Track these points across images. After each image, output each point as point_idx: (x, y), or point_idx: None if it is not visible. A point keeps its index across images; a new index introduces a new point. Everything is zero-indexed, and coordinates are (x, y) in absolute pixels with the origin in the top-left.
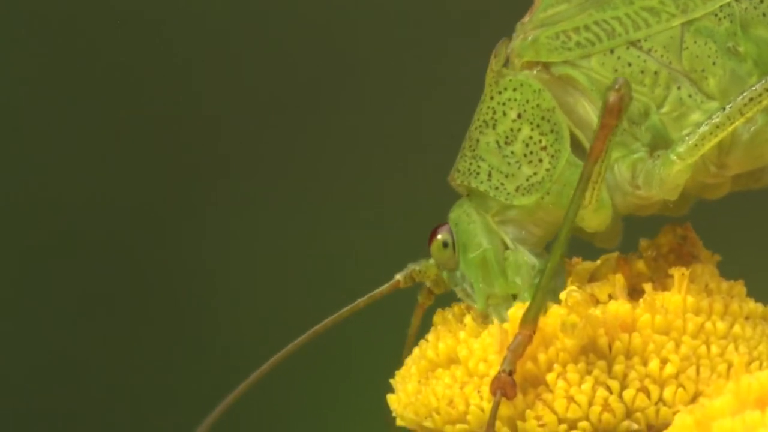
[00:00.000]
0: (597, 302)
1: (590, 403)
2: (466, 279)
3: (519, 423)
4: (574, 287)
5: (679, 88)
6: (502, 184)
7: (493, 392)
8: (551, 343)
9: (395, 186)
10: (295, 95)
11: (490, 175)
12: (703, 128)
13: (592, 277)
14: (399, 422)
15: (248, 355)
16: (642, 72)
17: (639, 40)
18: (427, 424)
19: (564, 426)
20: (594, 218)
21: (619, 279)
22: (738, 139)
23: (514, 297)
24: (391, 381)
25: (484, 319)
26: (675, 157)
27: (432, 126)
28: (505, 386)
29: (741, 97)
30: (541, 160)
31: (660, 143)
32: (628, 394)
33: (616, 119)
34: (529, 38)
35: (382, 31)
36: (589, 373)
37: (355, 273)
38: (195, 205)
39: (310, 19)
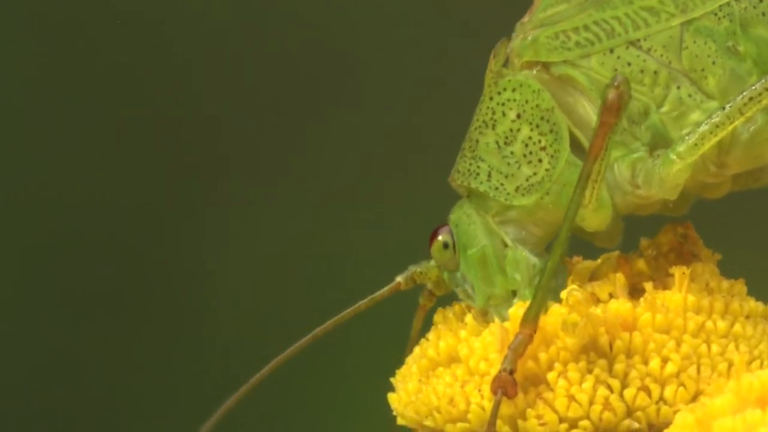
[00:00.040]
0: (598, 301)
1: (591, 402)
2: (467, 280)
3: (520, 422)
4: (574, 286)
5: (678, 87)
6: (502, 184)
7: (494, 391)
8: (552, 342)
9: (395, 186)
10: (295, 95)
11: (489, 175)
12: (703, 128)
13: (593, 276)
14: (400, 421)
15: (248, 356)
16: (642, 71)
17: (638, 40)
18: (428, 422)
19: (565, 425)
20: (594, 218)
21: (620, 278)
22: (738, 138)
23: (514, 294)
24: (392, 380)
25: (485, 318)
26: (675, 157)
27: (432, 126)
28: (506, 385)
29: (741, 96)
30: (540, 161)
31: (660, 143)
32: (629, 393)
33: (615, 117)
34: (529, 38)
35: (382, 31)
36: (590, 372)
37: (355, 273)
38: (195, 205)
39: (310, 19)
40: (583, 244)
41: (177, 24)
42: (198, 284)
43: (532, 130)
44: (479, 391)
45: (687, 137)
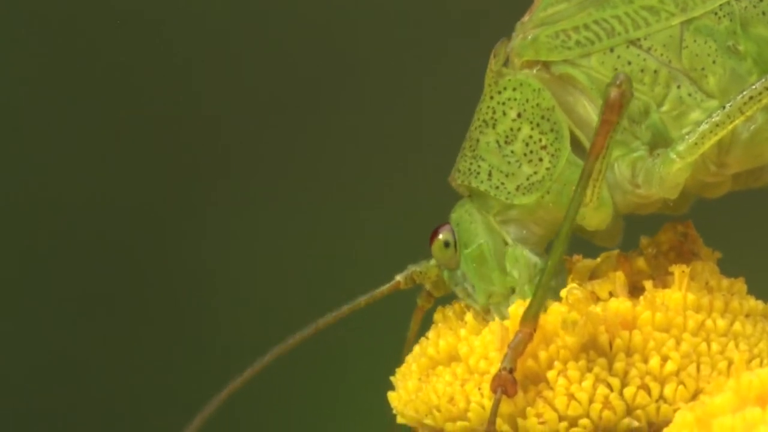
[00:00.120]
0: (597, 300)
1: (591, 401)
2: (467, 278)
3: (520, 420)
4: (574, 285)
5: (678, 86)
6: (503, 183)
7: (494, 390)
8: (552, 340)
9: (395, 186)
10: (295, 95)
11: (490, 174)
12: (703, 127)
13: (593, 275)
14: (400, 420)
15: (248, 355)
16: (642, 71)
17: (639, 39)
18: (428, 421)
19: (564, 423)
20: (595, 216)
21: (620, 276)
22: (738, 137)
23: (513, 291)
24: (392, 378)
25: (485, 317)
26: (675, 156)
27: (432, 126)
28: (505, 384)
29: (741, 95)
30: (541, 159)
31: (660, 142)
32: (628, 391)
33: (617, 115)
34: (529, 37)
35: (382, 31)
36: (589, 370)
37: (355, 273)
38: (195, 205)
39: (310, 19)
40: (583, 243)
41: (177, 24)
42: (198, 284)
43: (532, 129)
44: (479, 389)
45: (687, 136)
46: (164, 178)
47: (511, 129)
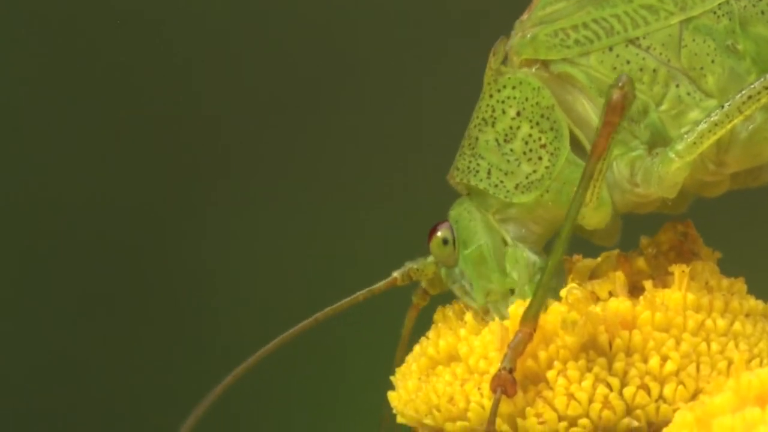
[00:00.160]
0: (597, 299)
1: (590, 401)
2: (465, 276)
3: (519, 420)
4: (574, 284)
5: (677, 86)
6: (502, 181)
7: (494, 389)
8: (552, 340)
9: (395, 186)
10: (295, 95)
11: (489, 173)
12: (702, 126)
13: (593, 275)
14: (400, 419)
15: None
16: (641, 70)
17: (638, 38)
18: (428, 421)
19: (564, 423)
20: (594, 216)
21: (620, 276)
22: (736, 137)
23: (512, 292)
24: (392, 378)
25: (485, 317)
26: (674, 155)
27: (432, 126)
28: (505, 383)
29: (740, 95)
30: (540, 158)
31: (659, 141)
32: (628, 391)
33: (619, 117)
34: (528, 36)
35: (382, 31)
36: (589, 370)
37: (355, 273)
38: (195, 205)
39: (310, 19)
40: (583, 243)
41: (177, 24)
42: (198, 284)
43: (532, 127)
44: (479, 389)
45: (686, 136)
46: (164, 178)
47: (511, 127)
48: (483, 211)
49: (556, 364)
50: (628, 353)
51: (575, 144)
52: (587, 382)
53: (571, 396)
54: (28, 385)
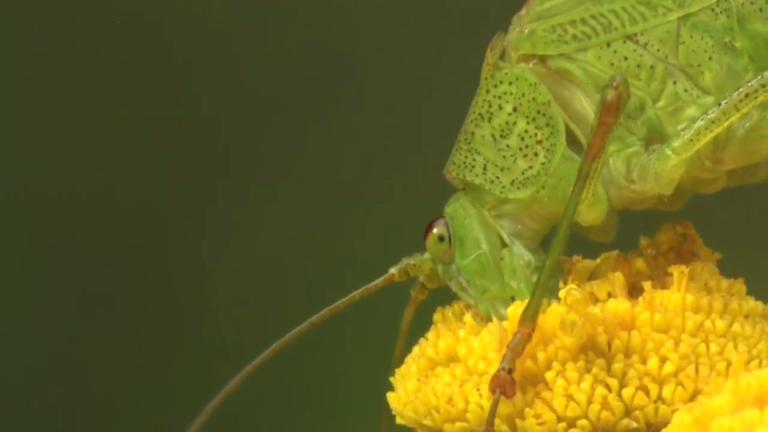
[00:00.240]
0: (596, 300)
1: (589, 402)
2: (461, 273)
3: (518, 421)
4: (573, 285)
5: (674, 82)
6: (498, 177)
7: (493, 390)
8: (550, 341)
9: (395, 186)
10: (295, 95)
11: (485, 168)
12: (699, 123)
13: (592, 276)
14: (399, 420)
15: (248, 355)
16: (638, 66)
17: (635, 34)
18: (427, 422)
19: (563, 424)
20: (590, 213)
21: (619, 277)
22: (733, 134)
23: (513, 299)
24: (391, 379)
25: (484, 317)
26: (670, 152)
27: (432, 126)
28: (504, 384)
29: (737, 92)
30: (536, 154)
31: (655, 137)
32: (627, 392)
33: (614, 117)
34: (526, 31)
35: (382, 31)
36: (588, 371)
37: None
38: (195, 205)
39: (310, 19)
40: (583, 244)
41: (177, 24)
42: (198, 284)
43: (528, 123)
44: (478, 390)
45: (683, 132)
46: (164, 178)
47: (507, 123)
48: (478, 207)
49: (555, 364)
50: (627, 354)
51: (572, 139)
52: (586, 383)
53: (569, 397)
54: (28, 385)
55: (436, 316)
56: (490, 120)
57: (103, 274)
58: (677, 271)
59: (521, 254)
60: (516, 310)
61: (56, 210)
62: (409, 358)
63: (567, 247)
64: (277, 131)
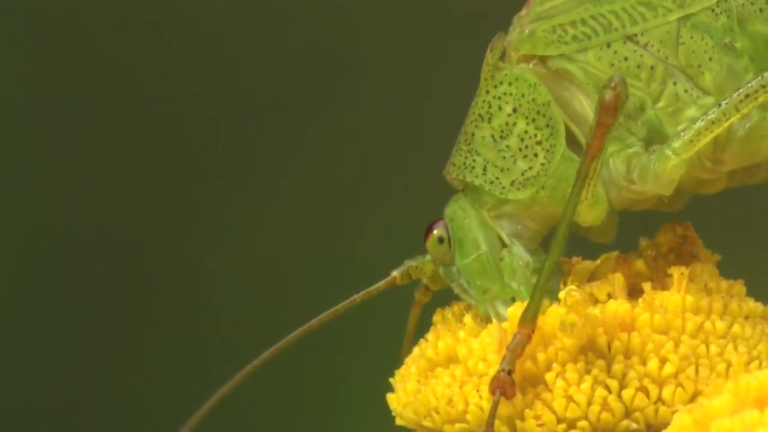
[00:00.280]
0: (596, 301)
1: (589, 403)
2: (462, 274)
3: (518, 422)
4: (573, 286)
5: (675, 83)
6: (498, 178)
7: (492, 391)
8: (550, 342)
9: (395, 186)
10: (295, 95)
11: (485, 169)
12: (699, 124)
13: (592, 277)
14: (398, 421)
15: (248, 355)
16: (638, 66)
17: (635, 35)
18: (427, 423)
19: (563, 425)
20: (590, 213)
21: (619, 278)
22: (733, 135)
23: (513, 300)
24: (391, 380)
25: (484, 318)
26: (670, 153)
27: (432, 126)
28: (504, 385)
29: (737, 93)
30: (536, 155)
31: (655, 138)
32: (627, 393)
33: (612, 118)
34: (526, 31)
35: (382, 31)
36: (588, 372)
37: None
38: (195, 205)
39: (310, 19)
40: (583, 245)
41: (177, 24)
42: (198, 284)
43: (528, 124)
44: (477, 391)
45: (683, 133)
46: (164, 178)
47: (507, 124)
48: (478, 208)
49: (555, 366)
50: (627, 355)
51: (572, 140)
52: (586, 385)
53: (569, 398)
54: (28, 385)
55: (436, 318)
56: (489, 121)
57: (103, 274)
58: (677, 272)
59: (521, 255)
60: (516, 311)
61: (56, 210)
62: (408, 359)
63: (567, 248)
64: (277, 131)
